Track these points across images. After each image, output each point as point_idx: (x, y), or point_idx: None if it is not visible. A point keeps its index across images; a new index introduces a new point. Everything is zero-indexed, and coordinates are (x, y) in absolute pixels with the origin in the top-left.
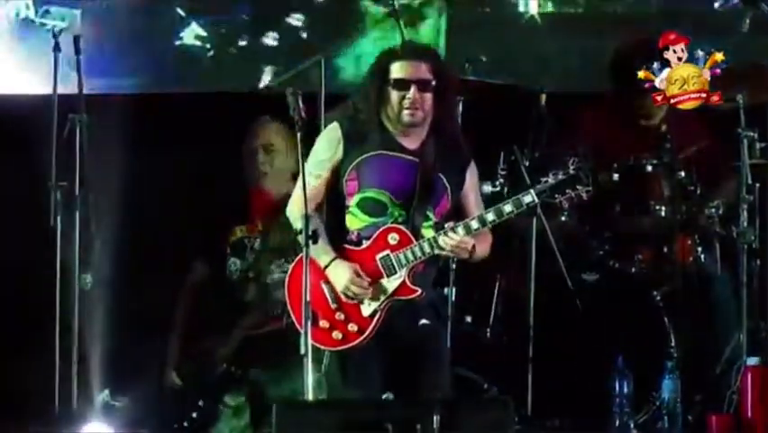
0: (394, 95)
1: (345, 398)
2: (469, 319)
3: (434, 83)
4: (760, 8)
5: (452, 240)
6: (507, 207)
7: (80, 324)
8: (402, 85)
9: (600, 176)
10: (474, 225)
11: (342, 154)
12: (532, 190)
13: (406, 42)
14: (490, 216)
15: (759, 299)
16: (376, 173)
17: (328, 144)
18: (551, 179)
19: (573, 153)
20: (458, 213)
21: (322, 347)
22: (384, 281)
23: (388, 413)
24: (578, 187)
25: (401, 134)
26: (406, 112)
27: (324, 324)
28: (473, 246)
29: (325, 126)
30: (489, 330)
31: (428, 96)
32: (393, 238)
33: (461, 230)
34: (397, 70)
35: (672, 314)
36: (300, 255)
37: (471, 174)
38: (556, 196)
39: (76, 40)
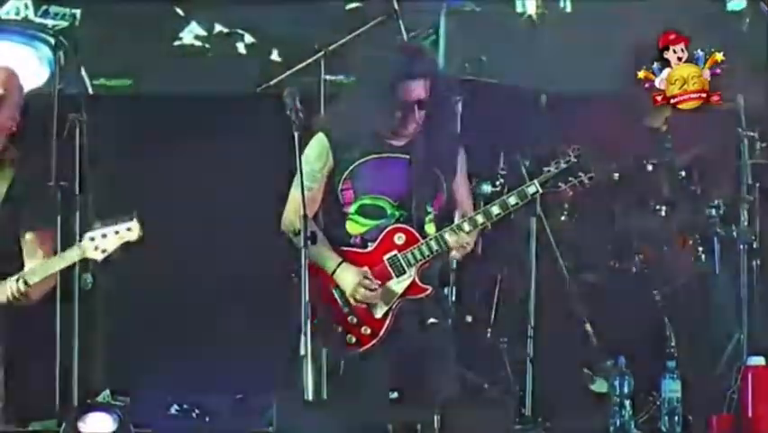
0: (398, 114)
1: (345, 398)
2: (469, 319)
3: (431, 97)
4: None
5: (461, 238)
6: (512, 200)
7: (81, 323)
8: (409, 107)
9: (601, 175)
10: (480, 219)
11: (332, 163)
12: (536, 181)
13: (414, 59)
14: (495, 210)
15: (760, 299)
16: (369, 179)
17: (318, 155)
18: (553, 168)
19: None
20: (449, 201)
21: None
22: (394, 282)
23: (389, 413)
24: (580, 174)
25: (389, 136)
26: (403, 128)
27: (336, 328)
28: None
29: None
30: (489, 330)
31: (424, 110)
32: (399, 238)
33: (466, 226)
34: (406, 92)
35: (672, 314)
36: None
37: (461, 159)
38: (560, 184)
39: (75, 42)
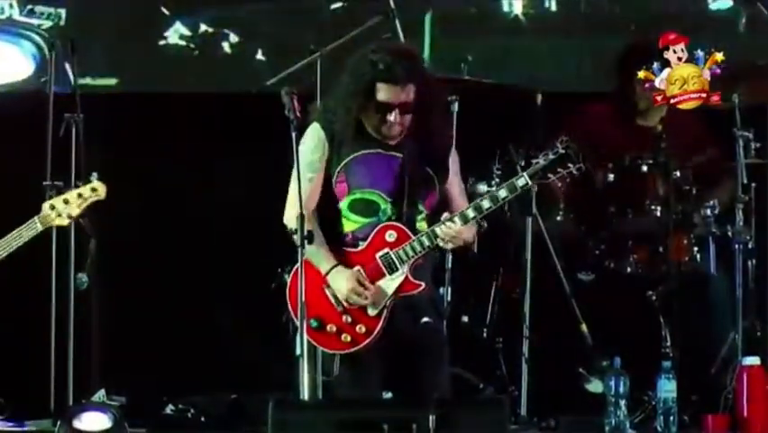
0: (377, 114)
1: (340, 397)
2: (465, 319)
3: (417, 101)
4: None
5: (451, 230)
6: (502, 193)
7: (76, 323)
8: (386, 108)
9: (596, 175)
10: (471, 213)
11: (329, 152)
12: (525, 173)
13: (395, 60)
14: (486, 204)
15: (757, 299)
16: (363, 173)
17: (314, 145)
18: (542, 160)
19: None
20: (442, 201)
21: (331, 352)
22: (387, 279)
23: (384, 413)
24: (569, 165)
25: (377, 136)
26: (384, 129)
27: (331, 328)
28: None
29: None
30: (485, 330)
31: (409, 115)
32: (390, 235)
33: (458, 220)
34: (383, 93)
35: (667, 314)
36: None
37: (453, 161)
38: (549, 176)
39: (72, 41)
